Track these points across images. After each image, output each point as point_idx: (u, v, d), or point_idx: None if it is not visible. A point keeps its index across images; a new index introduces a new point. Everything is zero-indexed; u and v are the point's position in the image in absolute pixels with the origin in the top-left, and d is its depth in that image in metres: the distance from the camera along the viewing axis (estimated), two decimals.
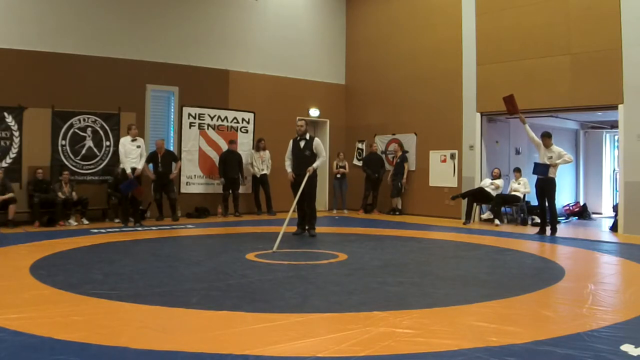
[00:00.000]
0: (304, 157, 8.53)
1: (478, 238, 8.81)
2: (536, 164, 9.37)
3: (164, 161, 10.88)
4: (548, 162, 9.09)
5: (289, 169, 8.69)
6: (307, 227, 8.72)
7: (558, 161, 9.08)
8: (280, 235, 7.35)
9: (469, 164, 11.78)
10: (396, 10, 13.32)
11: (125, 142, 9.97)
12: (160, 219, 10.79)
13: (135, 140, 10.00)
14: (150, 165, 10.87)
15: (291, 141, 8.77)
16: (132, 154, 9.92)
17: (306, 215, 8.70)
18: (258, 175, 12.28)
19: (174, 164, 11.09)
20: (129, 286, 4.95)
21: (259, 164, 12.32)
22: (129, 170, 9.82)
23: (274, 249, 7.05)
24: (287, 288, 4.91)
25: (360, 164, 13.66)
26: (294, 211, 8.20)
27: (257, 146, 12.40)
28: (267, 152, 12.35)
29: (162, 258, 6.60)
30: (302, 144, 8.62)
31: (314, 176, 8.52)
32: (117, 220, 10.39)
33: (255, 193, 12.40)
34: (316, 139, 8.79)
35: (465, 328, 3.78)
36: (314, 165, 8.44)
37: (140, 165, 10.04)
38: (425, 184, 12.60)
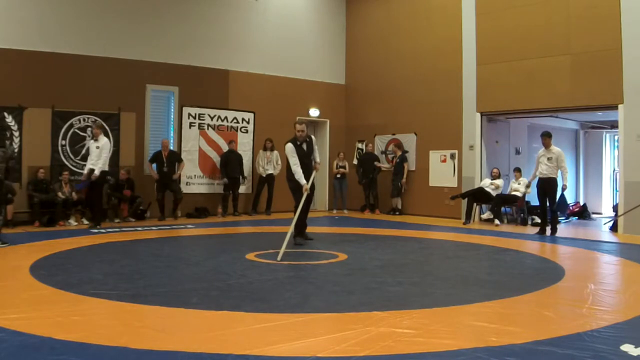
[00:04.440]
0: (310, 161, 7.78)
1: (478, 238, 8.80)
2: None
3: (168, 161, 10.92)
4: (548, 164, 9.10)
5: (303, 181, 7.39)
6: (295, 235, 7.65)
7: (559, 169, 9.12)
8: (285, 244, 6.71)
9: (469, 164, 11.77)
10: (396, 10, 13.31)
11: (87, 142, 9.70)
12: (162, 219, 10.79)
13: (97, 140, 9.51)
14: (154, 165, 10.91)
15: (292, 146, 7.59)
16: (92, 155, 9.50)
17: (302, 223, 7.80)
18: (264, 175, 12.27)
19: (177, 164, 11.15)
20: (129, 286, 4.95)
21: (265, 163, 12.31)
22: (85, 172, 9.51)
23: (278, 258, 6.36)
24: (287, 288, 4.92)
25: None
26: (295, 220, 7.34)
27: (265, 146, 12.37)
28: (275, 152, 12.24)
29: (162, 258, 6.60)
30: (304, 146, 7.73)
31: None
32: (117, 221, 10.39)
33: (257, 193, 12.39)
34: (313, 137, 8.07)
35: (465, 328, 3.79)
36: (318, 160, 7.91)
37: (97, 167, 9.29)
38: (425, 184, 12.59)
